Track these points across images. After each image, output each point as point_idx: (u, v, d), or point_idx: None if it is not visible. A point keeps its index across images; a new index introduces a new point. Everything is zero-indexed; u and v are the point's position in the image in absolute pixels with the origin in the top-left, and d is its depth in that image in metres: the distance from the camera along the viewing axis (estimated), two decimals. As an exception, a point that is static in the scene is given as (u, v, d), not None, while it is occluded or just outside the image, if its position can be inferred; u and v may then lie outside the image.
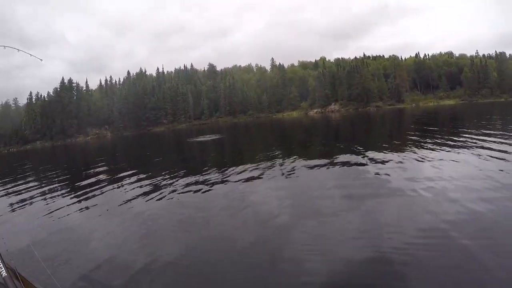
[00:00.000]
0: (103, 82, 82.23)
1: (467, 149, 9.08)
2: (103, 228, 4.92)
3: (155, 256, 3.65)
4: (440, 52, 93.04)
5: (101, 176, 9.69)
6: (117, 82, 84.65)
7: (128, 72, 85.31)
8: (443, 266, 2.98)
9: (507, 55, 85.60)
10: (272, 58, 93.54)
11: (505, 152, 8.03)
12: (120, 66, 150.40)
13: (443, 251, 3.23)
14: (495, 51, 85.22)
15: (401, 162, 7.99)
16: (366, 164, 8.00)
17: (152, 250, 3.82)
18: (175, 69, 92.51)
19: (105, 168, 12.22)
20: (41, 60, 4.98)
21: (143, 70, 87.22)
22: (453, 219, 3.96)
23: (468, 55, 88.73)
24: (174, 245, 3.97)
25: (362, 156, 9.32)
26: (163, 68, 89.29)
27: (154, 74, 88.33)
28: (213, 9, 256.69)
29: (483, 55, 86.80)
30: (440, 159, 7.92)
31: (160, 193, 6.77)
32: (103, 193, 7.49)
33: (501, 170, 5.96)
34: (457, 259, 3.07)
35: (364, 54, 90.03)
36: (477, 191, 4.90)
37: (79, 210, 6.13)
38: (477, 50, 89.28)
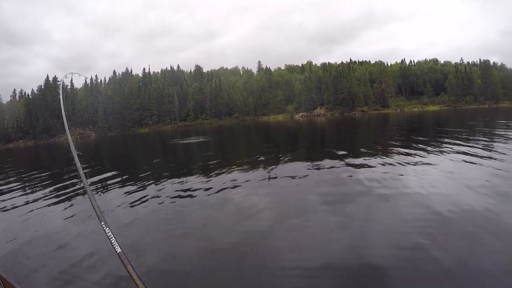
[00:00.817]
0: (88, 81, 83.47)
1: (448, 154, 9.41)
2: (84, 232, 4.86)
3: (137, 261, 3.62)
4: (426, 59, 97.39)
5: (99, 179, 9.47)
6: (103, 82, 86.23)
7: (114, 72, 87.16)
8: (421, 268, 3.10)
9: (491, 63, 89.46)
10: (259, 61, 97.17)
11: (483, 157, 8.37)
12: (106, 65, 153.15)
13: (422, 253, 3.36)
14: (479, 59, 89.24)
15: (384, 166, 8.21)
16: (350, 169, 8.18)
17: (133, 254, 3.78)
18: (162, 69, 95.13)
19: (88, 170, 11.74)
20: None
21: (129, 70, 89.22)
22: (433, 222, 4.14)
23: (453, 62, 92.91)
24: (157, 249, 4.01)
25: (346, 160, 9.49)
26: (149, 69, 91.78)
27: (140, 75, 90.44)
28: (202, 11, 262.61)
29: (468, 62, 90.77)
30: (424, 164, 8.19)
31: (143, 196, 6.76)
32: (84, 196, 7.07)
33: (487, 180, 6.02)
34: (434, 262, 3.17)
35: (350, 59, 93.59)
36: (453, 197, 5.08)
37: (61, 213, 6.08)
38: (461, 58, 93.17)
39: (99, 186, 8.34)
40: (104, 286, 3.32)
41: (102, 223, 2.04)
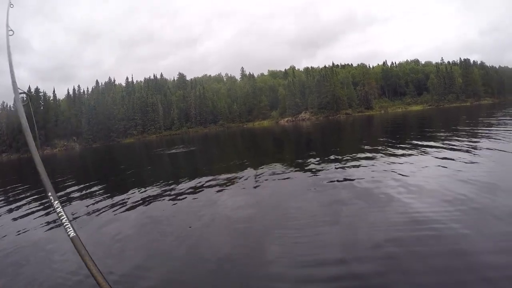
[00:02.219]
0: (70, 92, 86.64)
1: (434, 153, 9.71)
2: (67, 243, 5.33)
3: (122, 271, 3.71)
4: (407, 60, 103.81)
5: (70, 191, 9.67)
6: (85, 92, 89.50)
7: (97, 82, 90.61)
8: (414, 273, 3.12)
9: (471, 61, 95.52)
10: (242, 68, 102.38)
11: (467, 156, 8.63)
12: (88, 74, 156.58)
13: (416, 260, 3.36)
14: (460, 58, 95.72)
15: (372, 168, 8.49)
16: (337, 172, 8.39)
17: (119, 264, 3.91)
18: (145, 78, 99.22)
19: (73, 181, 12.04)
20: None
21: (112, 80, 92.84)
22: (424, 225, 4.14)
23: (434, 62, 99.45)
24: (144, 258, 4.07)
25: (333, 163, 9.78)
26: (132, 78, 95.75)
27: (124, 84, 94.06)
28: (182, 17, 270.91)
29: (448, 62, 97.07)
30: (411, 164, 8.52)
31: (130, 207, 6.90)
32: (71, 206, 7.52)
33: (469, 180, 6.10)
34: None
35: (333, 63, 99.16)
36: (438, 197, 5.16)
37: (45, 225, 6.17)
38: (442, 58, 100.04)
39: (90, 199, 8.28)
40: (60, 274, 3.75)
41: (51, 197, 1.85)
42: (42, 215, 6.97)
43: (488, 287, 2.76)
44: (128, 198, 7.81)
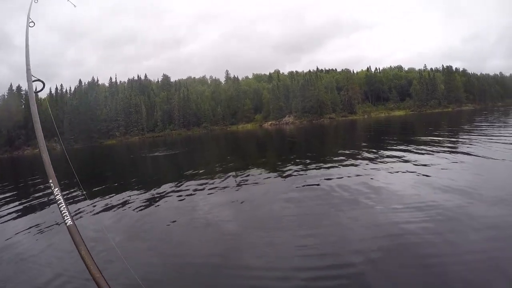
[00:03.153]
0: (53, 91, 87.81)
1: (410, 159, 10.17)
2: (50, 245, 5.07)
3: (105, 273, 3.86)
4: (390, 66, 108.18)
5: (49, 194, 9.32)
6: (68, 91, 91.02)
7: (80, 81, 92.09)
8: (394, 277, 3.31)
9: (453, 68, 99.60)
10: (227, 71, 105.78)
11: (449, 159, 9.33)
12: (70, 74, 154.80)
13: (394, 263, 3.57)
14: (442, 65, 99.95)
15: (354, 170, 8.97)
16: (316, 177, 8.66)
17: (101, 267, 4.19)
18: (129, 79, 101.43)
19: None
20: (75, 6, 4.71)
21: (96, 80, 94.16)
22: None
23: (417, 68, 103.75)
24: (124, 261, 3.90)
25: (313, 168, 10.12)
26: (116, 78, 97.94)
27: (107, 84, 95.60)
28: (167, 18, 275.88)
29: (431, 68, 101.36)
30: (392, 166, 9.09)
31: (112, 210, 7.00)
32: (50, 209, 7.55)
33: (456, 180, 6.54)
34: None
35: (317, 68, 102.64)
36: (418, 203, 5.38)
37: (26, 230, 6.18)
38: (425, 64, 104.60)
39: (71, 202, 8.18)
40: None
41: (53, 187, 1.95)
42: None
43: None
44: (110, 201, 7.93)
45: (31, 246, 5.21)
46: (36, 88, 2.64)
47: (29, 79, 2.63)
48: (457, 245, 3.80)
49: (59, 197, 1.89)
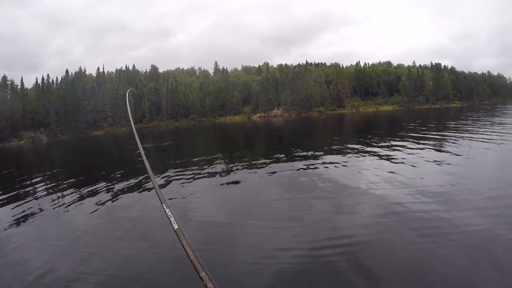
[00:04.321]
0: (39, 81, 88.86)
1: (400, 150, 11.09)
2: (36, 243, 5.13)
3: (93, 270, 3.97)
4: (379, 61, 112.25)
5: (36, 189, 9.74)
6: (54, 81, 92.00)
7: (67, 71, 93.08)
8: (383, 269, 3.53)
9: (442, 65, 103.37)
10: (216, 62, 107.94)
11: (436, 153, 10.37)
12: (57, 63, 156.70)
13: (383, 254, 3.84)
14: (431, 62, 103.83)
15: (340, 164, 9.35)
16: (306, 168, 9.00)
17: (89, 264, 4.11)
18: (116, 69, 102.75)
19: (39, 179, 11.76)
20: None
21: (83, 70, 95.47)
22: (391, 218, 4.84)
23: (406, 65, 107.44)
24: (114, 256, 4.22)
25: (303, 159, 10.58)
26: (103, 68, 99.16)
27: (94, 74, 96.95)
28: (156, 7, 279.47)
29: (420, 65, 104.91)
30: (380, 159, 9.76)
31: (99, 203, 7.12)
32: (39, 208, 7.42)
33: (442, 172, 7.34)
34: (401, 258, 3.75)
35: (306, 61, 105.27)
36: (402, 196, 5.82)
37: (14, 222, 6.30)
38: (414, 61, 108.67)
39: (59, 198, 8.19)
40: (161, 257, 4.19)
41: (163, 204, 2.70)
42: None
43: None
44: (97, 194, 8.09)
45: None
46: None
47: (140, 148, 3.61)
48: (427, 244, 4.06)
49: (167, 210, 2.59)
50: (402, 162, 9.19)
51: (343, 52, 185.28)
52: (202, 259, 2.44)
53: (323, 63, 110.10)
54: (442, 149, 11.31)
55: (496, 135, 14.01)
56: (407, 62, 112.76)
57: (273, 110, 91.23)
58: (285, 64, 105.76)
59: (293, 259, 3.90)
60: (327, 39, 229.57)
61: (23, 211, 7.18)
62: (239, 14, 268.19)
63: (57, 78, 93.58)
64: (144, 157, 3.91)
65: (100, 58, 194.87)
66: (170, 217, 2.48)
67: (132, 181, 9.59)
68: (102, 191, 8.60)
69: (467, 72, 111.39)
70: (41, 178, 12.20)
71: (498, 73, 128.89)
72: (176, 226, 2.34)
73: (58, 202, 7.78)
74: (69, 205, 7.34)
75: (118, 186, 9.06)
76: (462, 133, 15.90)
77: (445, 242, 4.05)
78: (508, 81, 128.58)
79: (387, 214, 5.05)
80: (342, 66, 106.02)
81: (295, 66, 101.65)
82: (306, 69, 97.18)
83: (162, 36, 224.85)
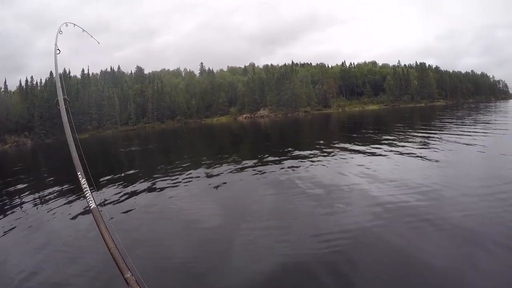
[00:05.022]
0: (23, 83, 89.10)
1: (386, 148, 11.40)
2: (23, 249, 5.15)
3: (81, 274, 4.01)
4: (365, 61, 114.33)
5: (22, 195, 9.58)
6: (39, 84, 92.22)
7: (51, 73, 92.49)
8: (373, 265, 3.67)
9: (427, 65, 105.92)
10: (201, 63, 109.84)
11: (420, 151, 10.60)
12: (41, 65, 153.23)
13: (372, 251, 3.96)
14: (416, 61, 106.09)
15: (326, 163, 9.48)
16: (294, 168, 9.11)
17: (77, 268, 4.17)
18: (101, 71, 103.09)
19: (25, 185, 11.61)
20: (99, 43, 5.66)
21: (67, 71, 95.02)
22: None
23: (391, 64, 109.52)
24: (102, 262, 4.15)
25: (290, 159, 10.71)
26: (88, 70, 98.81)
27: (79, 76, 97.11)
28: (141, 7, 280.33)
29: (405, 64, 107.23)
30: (366, 157, 10.04)
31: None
32: (24, 212, 7.49)
33: (425, 171, 7.52)
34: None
35: (292, 61, 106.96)
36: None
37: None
38: (399, 60, 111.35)
39: (46, 204, 8.07)
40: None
41: (79, 173, 2.49)
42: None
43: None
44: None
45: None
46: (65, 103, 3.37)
47: (60, 98, 3.28)
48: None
49: (85, 185, 2.50)
50: (388, 158, 9.62)
51: (328, 52, 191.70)
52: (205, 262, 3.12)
53: (309, 63, 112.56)
54: (427, 146, 11.68)
55: (478, 132, 14.78)
56: (392, 62, 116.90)
57: (260, 111, 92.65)
58: (271, 65, 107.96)
59: (283, 258, 4.00)
60: (313, 39, 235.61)
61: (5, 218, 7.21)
62: (225, 14, 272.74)
63: (41, 80, 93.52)
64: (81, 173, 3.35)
65: (86, 60, 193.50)
66: (86, 192, 2.45)
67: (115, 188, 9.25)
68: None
69: (451, 71, 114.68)
70: (23, 183, 12.17)
71: (482, 72, 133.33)
72: (93, 205, 2.27)
73: (41, 207, 7.87)
74: (50, 210, 7.38)
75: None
76: (446, 130, 16.76)
77: (433, 233, 4.30)
78: (491, 80, 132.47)
79: (376, 210, 5.27)
80: (328, 66, 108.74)
81: (281, 66, 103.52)
82: (292, 70, 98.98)
83: (148, 37, 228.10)
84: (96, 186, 7.75)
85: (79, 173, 2.62)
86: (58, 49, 4.06)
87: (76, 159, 2.78)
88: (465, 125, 19.62)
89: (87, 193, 2.40)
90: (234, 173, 9.73)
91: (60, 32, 4.45)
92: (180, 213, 6.24)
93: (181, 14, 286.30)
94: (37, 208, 7.93)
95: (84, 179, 2.56)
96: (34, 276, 4.12)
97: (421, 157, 9.69)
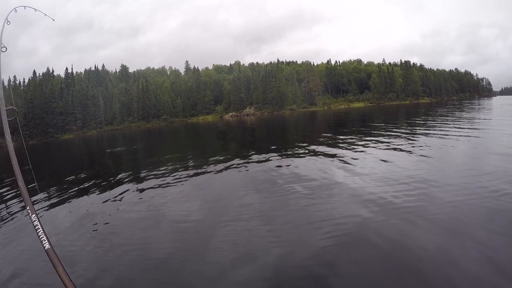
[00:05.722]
0: (5, 83, 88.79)
1: (373, 145, 11.52)
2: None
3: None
4: (350, 59, 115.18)
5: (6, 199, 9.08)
6: (22, 83, 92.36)
7: (34, 72, 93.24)
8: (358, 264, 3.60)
9: (411, 63, 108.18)
10: (187, 61, 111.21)
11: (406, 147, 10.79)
12: (24, 64, 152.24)
13: (359, 252, 3.87)
14: (400, 60, 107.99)
15: (312, 160, 9.68)
16: (279, 166, 9.21)
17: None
18: (85, 69, 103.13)
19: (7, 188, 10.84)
20: (53, 20, 5.20)
21: (51, 70, 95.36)
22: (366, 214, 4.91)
23: (376, 62, 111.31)
24: (87, 262, 4.19)
25: (276, 157, 10.77)
26: (72, 69, 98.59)
27: (63, 75, 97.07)
28: (125, 4, 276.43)
29: (389, 63, 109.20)
30: (355, 152, 10.23)
31: (69, 206, 7.12)
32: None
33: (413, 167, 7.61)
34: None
35: (278, 59, 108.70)
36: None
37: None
38: (384, 58, 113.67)
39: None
40: None
41: (28, 209, 2.13)
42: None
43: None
44: (70, 202, 7.71)
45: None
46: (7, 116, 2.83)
47: (2, 108, 2.85)
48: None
49: (36, 222, 2.09)
50: (373, 155, 9.75)
51: (314, 50, 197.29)
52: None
53: (295, 61, 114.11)
54: (411, 142, 11.89)
55: (461, 128, 15.31)
56: (378, 60, 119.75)
57: (246, 109, 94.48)
58: (257, 63, 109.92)
59: (270, 257, 4.00)
60: (299, 37, 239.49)
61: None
62: (210, 11, 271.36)
63: (24, 79, 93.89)
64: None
65: (69, 58, 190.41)
66: (39, 231, 2.06)
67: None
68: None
69: (435, 69, 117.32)
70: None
71: (466, 70, 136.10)
72: (47, 246, 1.95)
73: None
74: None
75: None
76: (431, 127, 17.17)
77: (422, 222, 4.46)
78: (475, 78, 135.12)
79: (365, 204, 5.38)
80: (313, 64, 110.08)
81: (266, 64, 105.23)
82: (277, 67, 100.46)
83: (132, 35, 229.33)
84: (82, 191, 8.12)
85: (28, 208, 2.20)
86: (4, 46, 3.43)
87: (24, 191, 2.32)
88: (448, 122, 20.14)
89: (39, 232, 2.02)
90: (218, 171, 9.73)
91: (8, 23, 3.91)
92: (163, 216, 6.08)
93: (165, 12, 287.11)
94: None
95: (34, 215, 2.14)
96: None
97: (406, 151, 10.00)
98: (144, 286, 3.66)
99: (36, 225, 2.03)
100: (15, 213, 7.31)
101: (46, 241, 1.90)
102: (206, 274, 3.72)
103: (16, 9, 4.26)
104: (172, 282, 3.67)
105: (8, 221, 6.76)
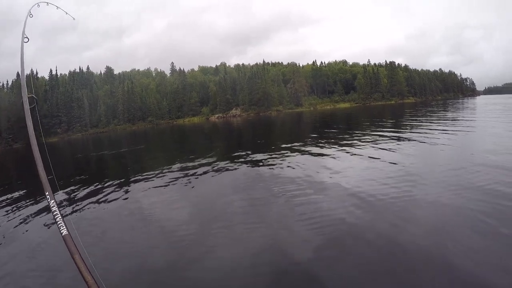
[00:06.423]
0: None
1: (360, 144, 11.76)
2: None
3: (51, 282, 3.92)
4: (336, 61, 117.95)
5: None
6: (5, 86, 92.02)
7: (18, 74, 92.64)
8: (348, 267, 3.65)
9: (396, 63, 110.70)
10: (172, 63, 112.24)
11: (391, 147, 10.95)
12: (6, 66, 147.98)
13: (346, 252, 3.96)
14: (385, 60, 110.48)
15: (300, 161, 9.79)
16: (266, 167, 9.36)
17: (45, 275, 4.08)
18: (70, 71, 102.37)
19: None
20: (74, 19, 5.35)
21: (35, 72, 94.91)
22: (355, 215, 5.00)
23: (361, 63, 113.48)
24: (73, 269, 3.51)
25: (263, 158, 10.84)
26: (56, 70, 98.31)
27: (47, 77, 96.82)
28: (111, 5, 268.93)
29: (375, 63, 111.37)
30: (341, 153, 10.42)
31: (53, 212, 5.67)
32: None
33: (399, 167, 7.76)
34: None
35: (264, 61, 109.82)
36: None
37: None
38: (369, 59, 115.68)
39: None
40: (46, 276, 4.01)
41: (47, 195, 2.21)
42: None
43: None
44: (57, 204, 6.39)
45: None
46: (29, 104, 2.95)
47: (24, 95, 3.06)
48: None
49: (54, 208, 2.20)
50: (360, 155, 9.92)
51: (300, 52, 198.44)
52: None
53: (280, 62, 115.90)
54: (398, 141, 12.16)
55: (447, 127, 15.86)
56: (363, 61, 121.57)
57: (232, 110, 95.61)
58: (243, 64, 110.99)
59: (260, 258, 4.06)
60: (285, 39, 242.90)
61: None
62: (196, 13, 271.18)
63: (7, 81, 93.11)
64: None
65: (53, 60, 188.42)
66: (57, 218, 2.16)
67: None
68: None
69: (420, 70, 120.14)
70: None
71: (450, 70, 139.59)
72: (65, 232, 2.01)
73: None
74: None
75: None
76: (416, 126, 17.56)
77: (412, 217, 4.71)
78: (459, 78, 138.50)
79: (354, 203, 5.51)
80: (299, 65, 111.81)
81: (252, 65, 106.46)
82: (263, 69, 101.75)
83: (117, 36, 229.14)
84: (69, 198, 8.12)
85: (47, 193, 2.36)
86: (27, 37, 3.66)
87: (44, 177, 2.50)
88: (433, 121, 20.74)
89: (57, 218, 2.13)
90: (205, 173, 9.82)
91: (31, 16, 4.09)
92: (152, 218, 6.15)
93: (150, 13, 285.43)
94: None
95: (53, 201, 2.30)
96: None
97: (391, 150, 10.23)
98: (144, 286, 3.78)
99: (55, 210, 2.15)
100: (34, 199, 8.18)
101: (64, 227, 1.98)
102: (199, 278, 3.80)
103: (39, 4, 4.54)
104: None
105: (28, 206, 7.69)
